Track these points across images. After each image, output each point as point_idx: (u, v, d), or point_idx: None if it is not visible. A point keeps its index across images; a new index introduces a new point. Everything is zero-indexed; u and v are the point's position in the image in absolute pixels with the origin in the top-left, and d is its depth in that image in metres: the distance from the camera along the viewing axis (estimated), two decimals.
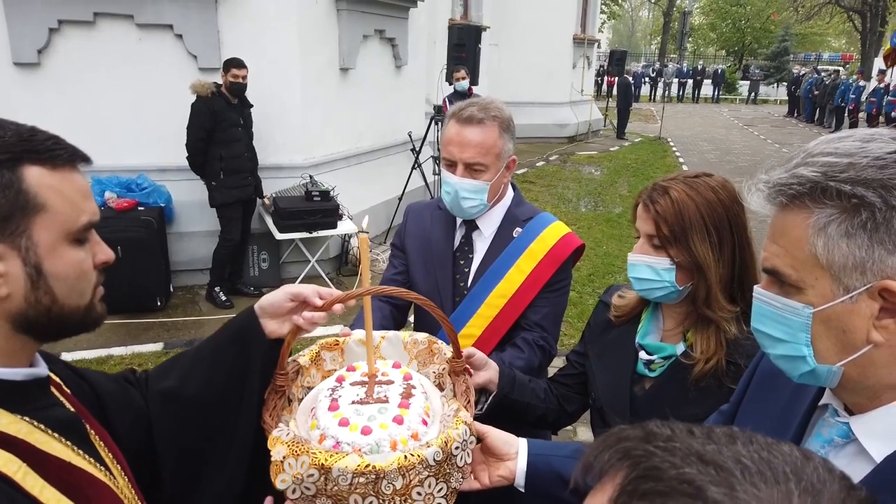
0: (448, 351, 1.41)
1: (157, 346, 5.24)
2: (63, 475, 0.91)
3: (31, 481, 0.86)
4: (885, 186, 0.80)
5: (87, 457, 0.97)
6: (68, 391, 1.07)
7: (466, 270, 2.08)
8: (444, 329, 1.33)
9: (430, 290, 2.08)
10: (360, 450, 1.12)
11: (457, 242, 2.12)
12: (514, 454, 1.36)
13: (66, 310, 0.95)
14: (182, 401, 1.25)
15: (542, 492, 1.34)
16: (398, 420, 1.17)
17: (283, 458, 1.09)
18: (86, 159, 0.98)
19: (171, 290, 6.19)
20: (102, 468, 0.99)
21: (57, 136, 0.96)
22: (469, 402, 1.29)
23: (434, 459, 1.10)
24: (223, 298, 6.01)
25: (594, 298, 5.94)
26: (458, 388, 1.35)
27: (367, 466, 1.06)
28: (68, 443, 0.95)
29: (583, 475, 0.56)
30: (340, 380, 1.33)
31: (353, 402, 1.23)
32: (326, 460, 1.07)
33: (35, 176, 0.90)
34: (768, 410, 1.11)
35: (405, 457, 1.08)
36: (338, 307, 1.29)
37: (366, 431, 1.14)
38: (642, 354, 1.61)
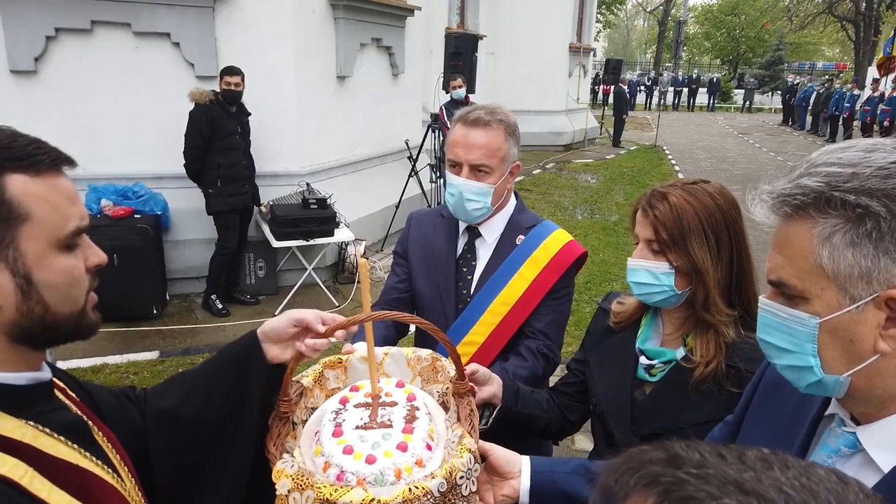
0: (451, 368, 1.40)
1: (152, 355, 5.21)
2: (71, 478, 0.90)
3: (39, 485, 0.85)
4: (889, 196, 0.80)
5: (94, 459, 0.96)
6: (73, 395, 1.06)
7: (469, 278, 2.07)
8: (448, 352, 1.32)
9: (433, 298, 2.08)
10: (364, 479, 1.11)
11: (459, 249, 2.12)
12: (518, 472, 1.35)
13: (60, 317, 0.94)
14: (179, 421, 1.24)
15: None
16: (402, 447, 1.16)
17: (289, 491, 1.08)
18: (70, 162, 0.95)
19: (167, 298, 6.17)
20: (110, 470, 0.99)
21: (38, 140, 0.93)
22: (473, 426, 1.28)
23: (439, 491, 1.09)
24: (219, 306, 5.99)
25: (591, 306, 5.94)
26: (461, 411, 1.34)
27: (371, 500, 1.05)
28: (74, 445, 0.94)
29: (602, 499, 0.53)
30: (344, 401, 1.32)
31: (356, 427, 1.21)
32: (331, 495, 1.06)
33: (18, 185, 0.88)
34: (774, 420, 1.11)
35: (410, 489, 1.06)
36: (339, 333, 1.29)
37: (370, 460, 1.13)
38: (642, 359, 1.61)
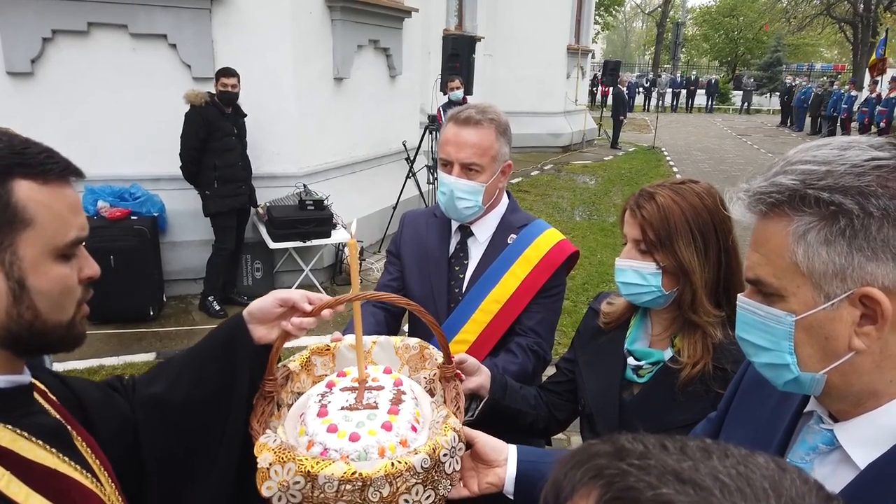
0: (439, 356, 1.41)
1: (149, 356, 5.21)
2: (49, 482, 0.90)
3: (16, 489, 0.85)
4: (862, 193, 0.81)
5: (72, 463, 0.96)
6: (54, 398, 1.06)
7: (461, 276, 2.09)
8: (434, 333, 1.32)
9: (425, 296, 2.09)
10: (347, 456, 1.11)
11: (452, 248, 2.13)
12: (504, 461, 1.35)
13: (49, 325, 0.94)
14: (169, 407, 1.24)
15: (532, 499, 1.33)
16: (387, 426, 1.16)
17: (270, 464, 1.08)
18: (78, 173, 0.97)
19: (164, 299, 6.17)
20: (89, 475, 0.99)
21: (50, 150, 0.95)
22: (458, 408, 1.29)
23: (422, 467, 1.10)
24: (217, 308, 5.99)
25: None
26: (447, 394, 1.35)
27: (353, 474, 1.05)
28: (53, 450, 0.94)
29: (553, 493, 0.54)
30: (330, 385, 1.32)
31: (342, 408, 1.22)
32: (313, 467, 1.06)
33: (25, 190, 0.90)
34: (755, 418, 1.12)
35: (392, 464, 1.07)
36: (326, 313, 1.28)
37: (354, 438, 1.14)
38: (631, 360, 1.61)
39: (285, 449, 1.10)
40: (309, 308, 1.28)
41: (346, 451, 1.12)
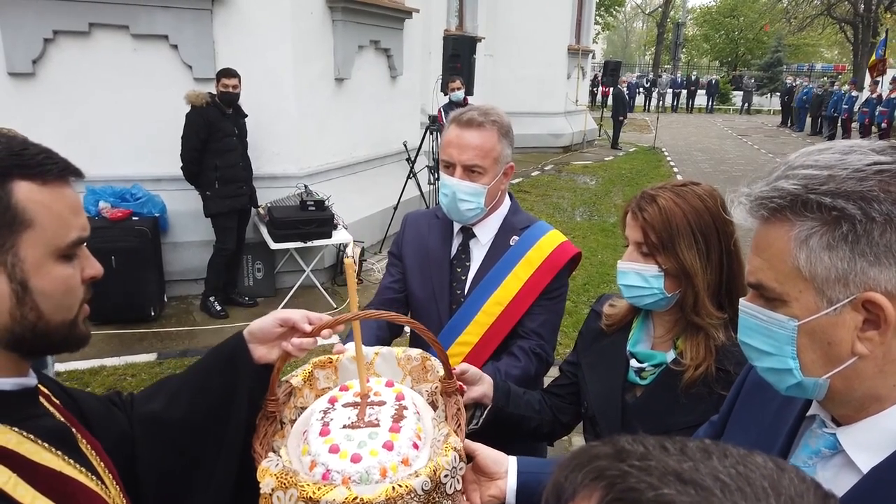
0: (441, 368, 1.41)
1: (150, 357, 5.22)
2: (54, 485, 0.90)
3: (23, 491, 0.85)
4: (864, 198, 0.81)
5: (78, 466, 0.97)
6: (57, 402, 1.06)
7: (463, 278, 2.09)
8: (435, 350, 1.33)
9: (427, 298, 2.09)
10: (349, 478, 1.11)
11: (454, 250, 2.13)
12: (505, 473, 1.35)
13: (52, 326, 0.94)
14: (167, 425, 1.24)
15: None
16: (388, 446, 1.17)
17: (272, 490, 1.09)
18: (77, 174, 0.97)
19: (165, 300, 6.17)
20: (94, 478, 0.99)
21: (49, 150, 0.95)
22: (459, 425, 1.29)
23: (423, 489, 1.09)
24: (218, 308, 5.99)
25: (589, 308, 5.94)
26: (448, 410, 1.35)
27: (354, 499, 1.05)
28: (58, 453, 0.94)
29: (554, 496, 0.54)
30: (333, 401, 1.32)
31: (344, 427, 1.22)
32: (314, 493, 1.06)
33: (24, 191, 0.89)
34: (757, 421, 1.11)
35: (393, 488, 1.07)
36: (326, 332, 1.30)
37: (355, 459, 1.14)
38: (633, 362, 1.61)
39: (287, 474, 1.10)
40: (309, 328, 1.29)
41: (348, 472, 1.12)
